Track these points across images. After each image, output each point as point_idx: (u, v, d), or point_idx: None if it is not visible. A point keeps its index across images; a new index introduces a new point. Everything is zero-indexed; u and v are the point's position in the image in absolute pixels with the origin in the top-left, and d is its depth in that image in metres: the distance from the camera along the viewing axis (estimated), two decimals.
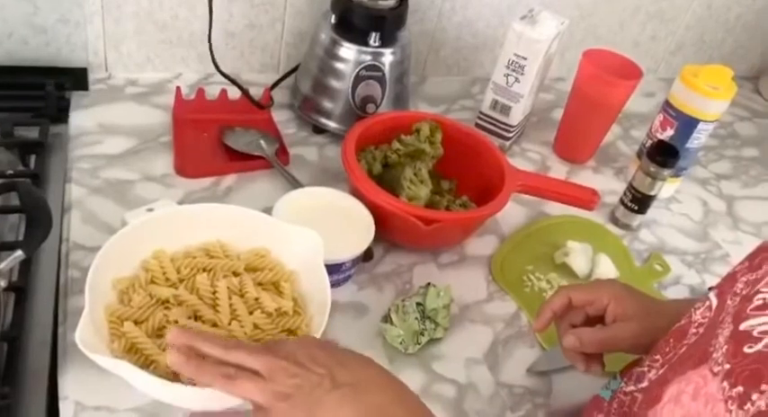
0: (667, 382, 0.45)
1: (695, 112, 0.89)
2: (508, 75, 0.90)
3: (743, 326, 0.41)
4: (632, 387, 0.50)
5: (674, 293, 0.82)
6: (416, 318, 0.65)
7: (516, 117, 0.94)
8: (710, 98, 0.87)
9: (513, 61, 0.89)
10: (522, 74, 0.90)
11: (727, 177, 1.06)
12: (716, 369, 0.41)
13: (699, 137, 0.91)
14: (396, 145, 0.80)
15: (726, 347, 0.41)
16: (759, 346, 0.39)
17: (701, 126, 0.89)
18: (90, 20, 0.85)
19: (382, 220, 0.72)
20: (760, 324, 0.40)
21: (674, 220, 0.94)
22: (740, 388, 0.38)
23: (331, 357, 0.47)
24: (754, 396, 0.37)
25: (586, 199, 0.80)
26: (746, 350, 0.39)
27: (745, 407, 0.37)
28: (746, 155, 1.13)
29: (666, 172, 0.85)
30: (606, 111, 0.94)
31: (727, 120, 1.20)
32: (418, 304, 0.67)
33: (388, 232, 0.73)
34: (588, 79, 0.92)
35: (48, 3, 0.82)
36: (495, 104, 0.94)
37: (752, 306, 0.41)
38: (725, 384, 0.39)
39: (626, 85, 0.91)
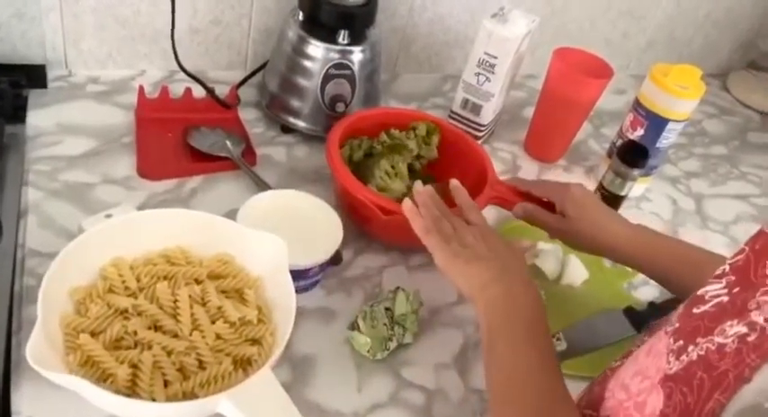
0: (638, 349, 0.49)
1: (665, 112, 0.89)
2: (479, 73, 0.90)
3: (700, 291, 0.44)
4: (619, 362, 0.52)
5: (644, 293, 0.82)
6: (385, 324, 0.64)
7: (487, 116, 0.93)
8: (680, 98, 0.88)
9: (483, 60, 0.88)
10: (492, 72, 0.89)
11: (697, 175, 1.07)
12: (668, 329, 0.44)
13: (668, 137, 0.91)
14: (383, 136, 0.80)
15: (681, 309, 0.45)
16: (706, 307, 0.42)
17: (670, 125, 0.90)
18: (46, 15, 0.82)
19: (348, 205, 0.74)
20: (714, 289, 0.43)
21: (645, 220, 0.94)
22: (681, 342, 0.42)
23: (501, 252, 0.61)
24: (690, 348, 0.40)
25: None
26: (695, 310, 0.43)
27: (681, 358, 0.41)
28: (715, 152, 1.14)
29: (636, 172, 0.85)
30: (577, 110, 0.94)
31: (696, 118, 1.21)
32: (387, 309, 0.66)
33: (353, 219, 0.74)
34: (559, 78, 0.91)
35: None
36: (465, 103, 0.93)
37: (715, 274, 0.44)
38: (671, 340, 0.43)
39: (596, 84, 0.90)
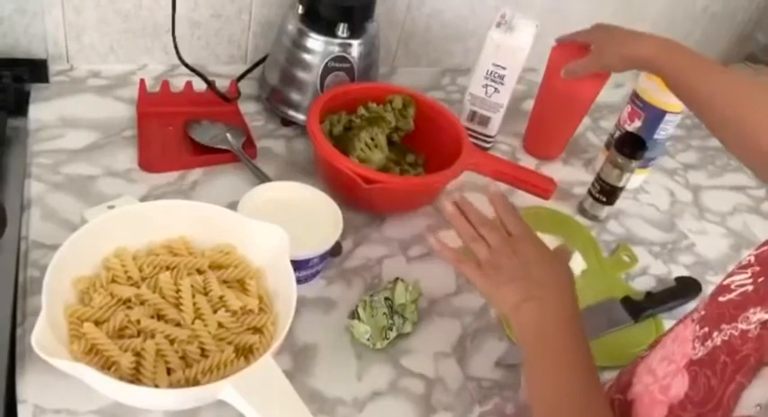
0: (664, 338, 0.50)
1: (662, 104, 0.89)
2: (487, 85, 0.89)
3: (726, 281, 0.45)
4: (648, 352, 0.53)
5: (640, 283, 0.83)
6: (384, 313, 0.65)
7: (495, 126, 0.92)
8: None
9: (492, 71, 0.88)
10: (501, 83, 0.88)
11: (694, 167, 1.08)
12: (695, 316, 0.46)
13: (666, 129, 0.92)
14: (361, 110, 0.82)
15: (707, 298, 0.46)
16: (731, 295, 0.44)
17: (668, 117, 0.90)
18: (48, 9, 0.83)
19: (332, 177, 0.77)
20: (740, 280, 0.44)
21: (642, 211, 0.95)
22: (706, 329, 0.43)
23: (536, 269, 0.58)
24: (714, 334, 0.42)
25: (542, 187, 0.81)
26: (720, 299, 0.44)
27: (706, 343, 0.42)
28: (712, 144, 1.15)
29: (634, 163, 0.85)
30: (576, 108, 0.93)
31: None
32: (386, 299, 0.67)
33: (335, 190, 0.76)
34: (557, 75, 0.90)
35: None
36: (473, 116, 0.92)
37: (741, 265, 0.45)
38: (696, 327, 0.44)
39: (595, 81, 0.90)
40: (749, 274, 0.44)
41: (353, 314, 0.65)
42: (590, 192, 0.90)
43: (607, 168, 0.87)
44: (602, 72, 0.90)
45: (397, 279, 0.69)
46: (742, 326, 0.40)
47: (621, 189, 0.88)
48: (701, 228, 0.95)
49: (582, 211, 0.91)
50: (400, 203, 0.81)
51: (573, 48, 0.92)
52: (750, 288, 0.43)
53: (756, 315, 0.40)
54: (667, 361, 0.46)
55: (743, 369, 0.39)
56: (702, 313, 0.46)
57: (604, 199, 0.88)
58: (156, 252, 0.61)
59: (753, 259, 0.45)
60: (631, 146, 0.85)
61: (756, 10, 1.31)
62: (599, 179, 0.88)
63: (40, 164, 0.75)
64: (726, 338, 0.41)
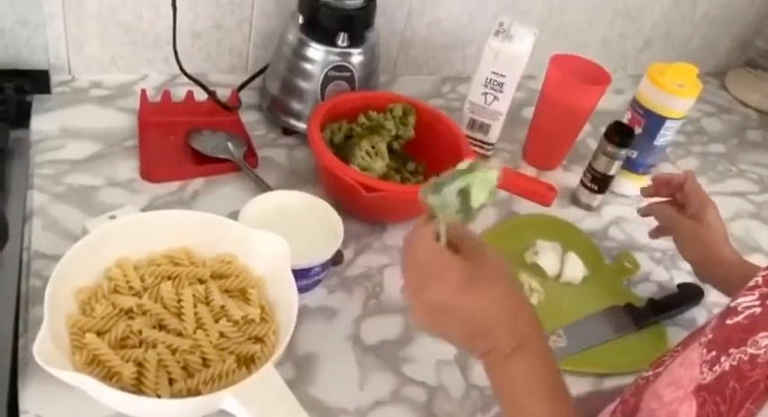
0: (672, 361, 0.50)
1: (662, 110, 0.89)
2: (486, 93, 0.89)
3: (733, 303, 0.45)
4: (651, 373, 0.53)
5: (643, 290, 0.82)
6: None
7: (495, 134, 0.93)
8: (677, 95, 0.88)
9: (491, 79, 0.88)
10: (500, 91, 0.89)
11: (695, 173, 1.07)
12: (702, 340, 0.45)
13: (666, 135, 0.92)
14: (361, 119, 0.83)
15: (715, 321, 0.46)
16: (738, 318, 0.43)
17: (668, 123, 0.90)
18: (50, 21, 0.83)
19: (333, 186, 0.77)
20: (747, 301, 0.44)
21: (644, 217, 0.95)
22: (714, 353, 0.43)
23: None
24: (723, 359, 0.42)
25: (543, 194, 0.81)
26: (728, 322, 0.44)
27: (714, 368, 0.42)
28: (713, 150, 1.15)
29: (623, 152, 0.86)
30: (575, 118, 0.93)
31: (695, 117, 1.21)
32: (461, 191, 0.50)
33: (336, 198, 0.76)
34: (556, 86, 0.91)
35: (4, 3, 0.80)
36: (472, 124, 0.92)
37: (747, 286, 0.45)
38: (704, 350, 0.44)
39: (594, 91, 0.90)
40: (756, 295, 0.43)
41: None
42: (582, 182, 0.91)
43: (598, 157, 0.88)
44: (600, 81, 0.90)
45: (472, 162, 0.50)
46: (751, 351, 0.40)
47: (612, 177, 0.89)
48: None
49: (575, 201, 0.92)
50: (401, 211, 0.81)
51: (570, 60, 0.93)
52: (758, 310, 0.42)
53: (766, 340, 0.40)
54: (674, 386, 0.46)
55: (752, 396, 0.38)
56: (710, 336, 0.45)
57: (596, 188, 0.89)
58: (157, 261, 0.61)
59: (760, 280, 0.44)
60: (621, 135, 0.86)
61: (756, 16, 1.32)
62: (590, 168, 0.89)
63: (42, 175, 0.75)
64: (734, 363, 0.41)
